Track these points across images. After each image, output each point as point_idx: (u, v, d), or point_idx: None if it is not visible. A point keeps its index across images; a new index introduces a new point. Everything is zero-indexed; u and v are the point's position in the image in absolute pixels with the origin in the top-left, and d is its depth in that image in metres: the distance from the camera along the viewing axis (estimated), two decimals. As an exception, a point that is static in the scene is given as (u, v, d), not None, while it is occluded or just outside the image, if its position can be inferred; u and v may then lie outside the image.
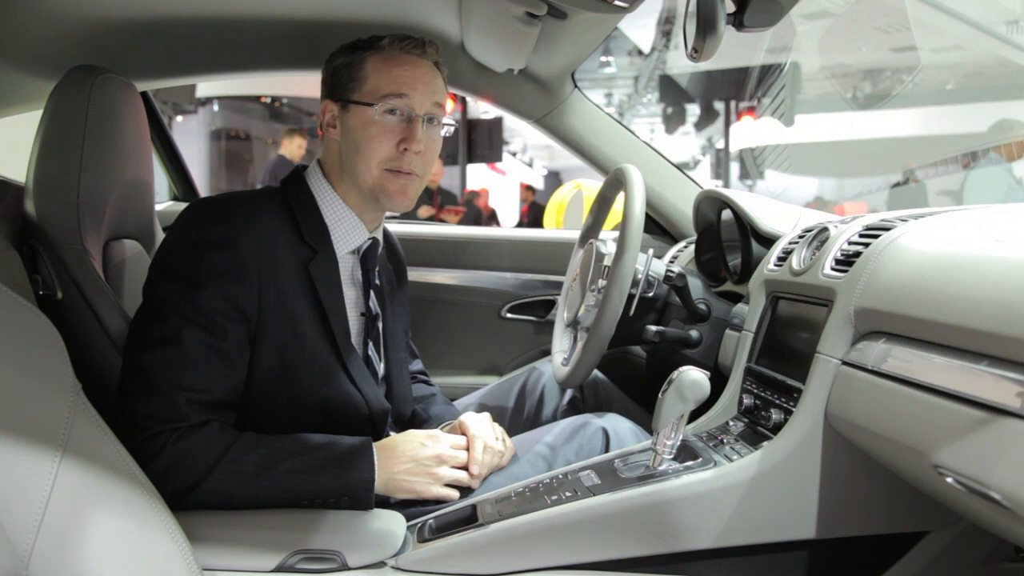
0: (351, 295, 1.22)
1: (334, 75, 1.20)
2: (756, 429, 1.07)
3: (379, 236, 1.27)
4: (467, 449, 1.14)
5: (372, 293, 1.26)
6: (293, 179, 1.22)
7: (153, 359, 1.02)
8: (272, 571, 0.96)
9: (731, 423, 1.13)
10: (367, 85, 1.15)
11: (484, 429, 1.18)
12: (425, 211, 6.88)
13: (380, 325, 1.28)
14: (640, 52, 9.96)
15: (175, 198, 2.28)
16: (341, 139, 1.18)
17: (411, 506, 1.16)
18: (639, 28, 8.82)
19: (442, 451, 1.10)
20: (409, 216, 6.92)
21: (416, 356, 1.53)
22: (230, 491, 1.01)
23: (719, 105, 10.75)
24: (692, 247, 1.65)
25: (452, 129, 1.23)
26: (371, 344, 1.25)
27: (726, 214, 1.50)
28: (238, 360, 1.06)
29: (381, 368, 1.28)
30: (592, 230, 1.47)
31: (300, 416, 1.11)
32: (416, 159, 1.16)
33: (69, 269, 1.14)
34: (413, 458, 1.09)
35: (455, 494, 1.11)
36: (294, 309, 1.10)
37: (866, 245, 0.97)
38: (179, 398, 1.01)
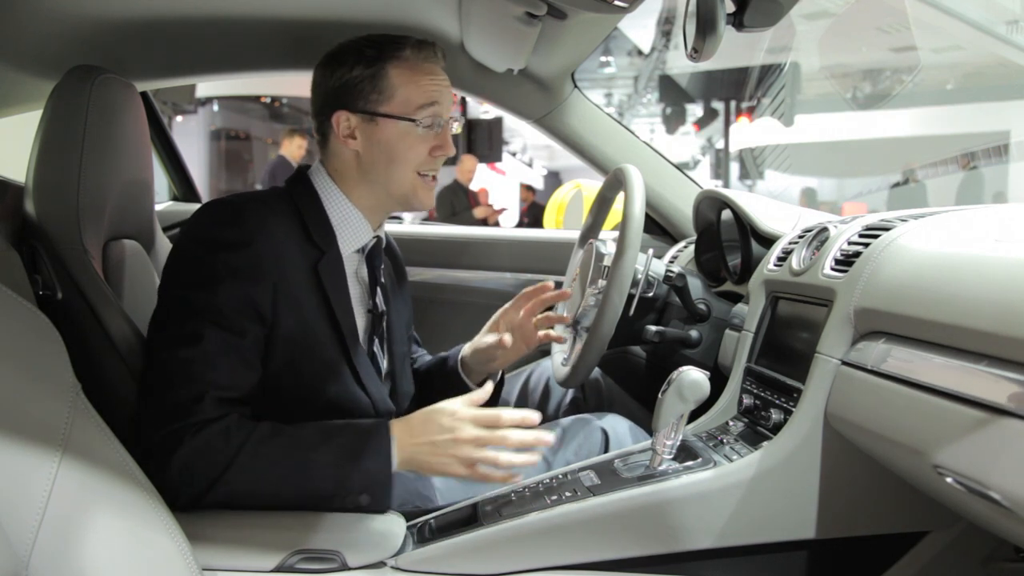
0: (357, 293, 1.22)
1: (349, 86, 1.17)
2: (756, 429, 1.07)
3: (382, 235, 1.28)
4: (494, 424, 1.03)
5: (379, 290, 1.27)
6: (298, 180, 1.22)
7: (174, 358, 1.02)
8: (272, 571, 0.96)
9: (731, 423, 1.13)
10: (397, 97, 1.16)
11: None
12: (482, 211, 7.00)
13: (385, 322, 1.29)
14: (640, 52, 9.95)
15: (175, 198, 2.28)
16: (365, 150, 1.17)
17: (411, 506, 1.16)
18: (639, 28, 8.81)
19: (460, 435, 1.01)
20: (459, 219, 7.00)
21: (420, 345, 1.54)
22: (249, 484, 1.00)
23: (719, 105, 10.74)
24: (692, 247, 1.65)
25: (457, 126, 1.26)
26: (376, 341, 1.26)
27: (726, 214, 1.50)
28: (255, 359, 1.07)
29: (385, 364, 1.28)
30: (592, 230, 1.47)
31: (307, 417, 1.12)
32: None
33: (69, 269, 1.13)
34: (431, 442, 1.02)
35: (483, 475, 1.02)
36: (304, 309, 1.10)
37: (866, 245, 0.97)
38: (202, 394, 1.01)
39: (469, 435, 1.01)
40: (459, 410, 1.03)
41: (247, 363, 1.06)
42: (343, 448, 1.01)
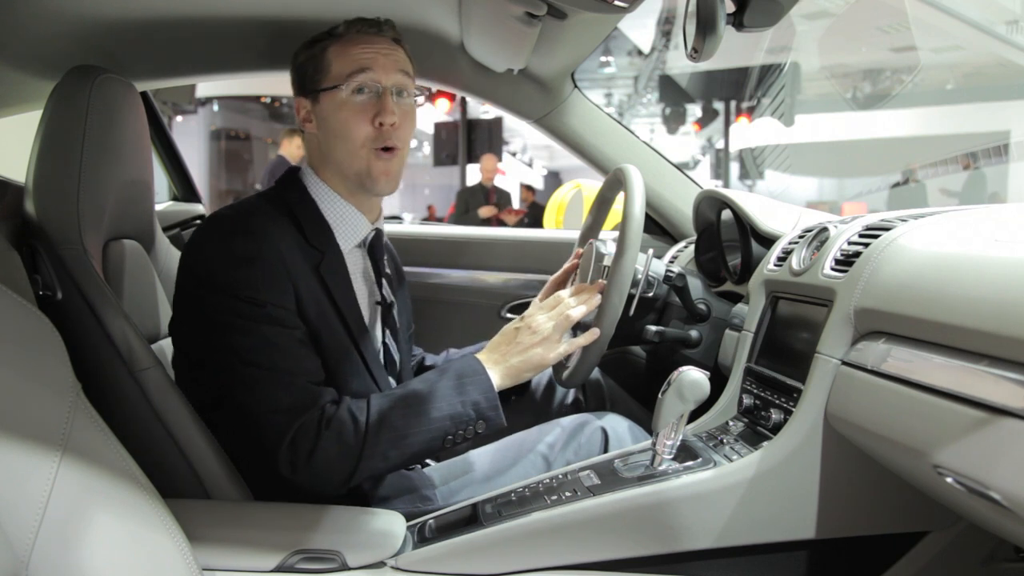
0: (363, 287, 1.24)
1: (300, 71, 1.23)
2: (756, 429, 1.07)
3: (381, 226, 1.28)
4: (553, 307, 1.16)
5: (384, 282, 1.28)
6: (289, 182, 1.23)
7: (258, 364, 1.04)
8: (272, 571, 0.96)
9: (731, 423, 1.13)
10: (331, 71, 1.18)
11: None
12: (487, 211, 6.91)
13: (395, 313, 1.30)
14: (640, 52, 9.95)
15: (175, 198, 2.28)
16: (319, 131, 1.21)
17: (411, 506, 1.16)
18: (639, 28, 8.81)
19: (528, 322, 1.13)
20: (471, 218, 6.90)
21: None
22: (384, 452, 1.04)
23: (719, 105, 10.74)
24: (692, 247, 1.65)
25: (423, 99, 1.26)
26: (388, 332, 1.27)
27: (726, 214, 1.50)
28: (312, 348, 1.11)
29: (398, 357, 1.30)
30: (592, 230, 1.47)
31: None
32: (395, 133, 1.17)
33: (69, 269, 1.13)
34: (515, 343, 1.13)
35: (575, 344, 1.13)
36: (312, 311, 1.11)
37: (866, 245, 0.97)
38: (304, 386, 1.05)
39: (541, 319, 1.13)
40: (523, 315, 1.16)
41: (313, 352, 1.10)
42: (448, 391, 1.07)
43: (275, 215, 1.14)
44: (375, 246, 1.26)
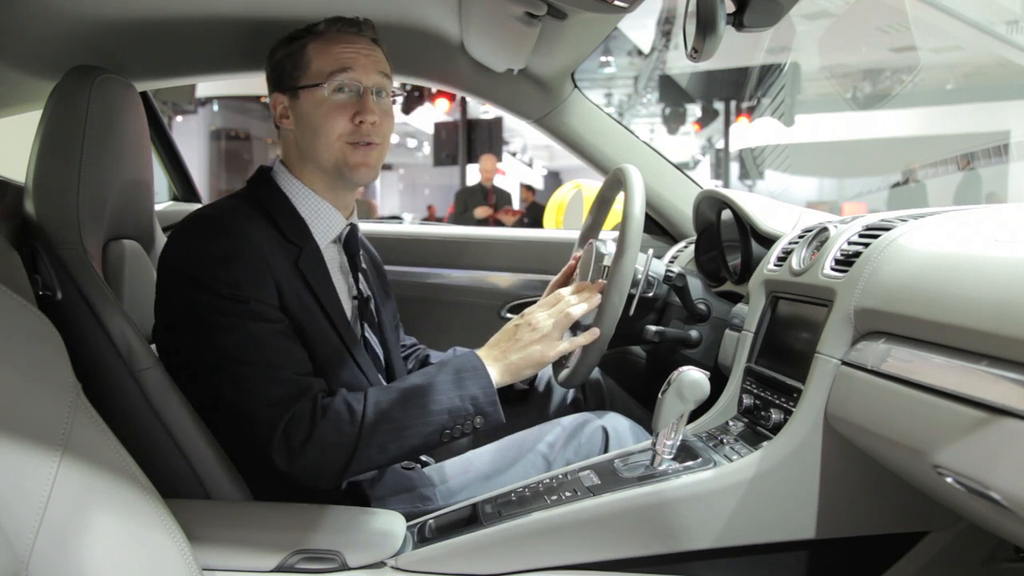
0: (342, 282, 1.25)
1: (278, 68, 1.23)
2: (756, 429, 1.07)
3: (355, 221, 1.29)
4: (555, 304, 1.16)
5: (360, 277, 1.29)
6: (261, 180, 1.24)
7: (244, 361, 1.05)
8: (272, 571, 0.96)
9: (731, 423, 1.13)
10: (312, 69, 1.19)
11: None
12: (482, 211, 6.89)
13: (373, 307, 1.31)
14: (640, 52, 9.95)
15: (175, 198, 2.28)
16: (296, 127, 1.21)
17: (411, 505, 1.16)
18: (639, 28, 8.81)
19: (529, 319, 1.14)
20: (469, 218, 6.84)
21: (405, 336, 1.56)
22: (381, 444, 1.04)
23: (719, 105, 10.74)
24: (692, 247, 1.65)
25: (400, 99, 1.28)
26: (367, 327, 1.27)
27: (726, 214, 1.50)
28: (298, 341, 1.11)
29: (379, 349, 1.30)
30: (592, 230, 1.47)
31: None
32: (373, 130, 1.19)
33: (69, 269, 1.13)
34: (514, 339, 1.13)
35: (575, 343, 1.13)
36: (295, 305, 1.12)
37: (866, 245, 0.97)
38: (291, 375, 1.05)
39: (541, 316, 1.13)
40: (524, 312, 1.16)
41: (298, 343, 1.10)
42: (447, 386, 1.07)
43: (251, 214, 1.15)
44: (350, 241, 1.27)
